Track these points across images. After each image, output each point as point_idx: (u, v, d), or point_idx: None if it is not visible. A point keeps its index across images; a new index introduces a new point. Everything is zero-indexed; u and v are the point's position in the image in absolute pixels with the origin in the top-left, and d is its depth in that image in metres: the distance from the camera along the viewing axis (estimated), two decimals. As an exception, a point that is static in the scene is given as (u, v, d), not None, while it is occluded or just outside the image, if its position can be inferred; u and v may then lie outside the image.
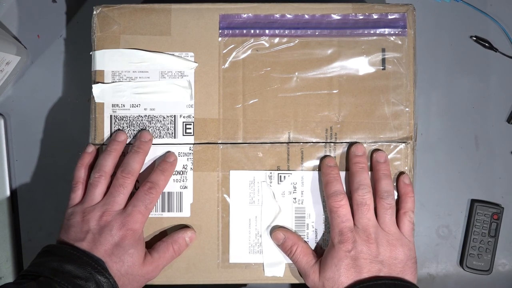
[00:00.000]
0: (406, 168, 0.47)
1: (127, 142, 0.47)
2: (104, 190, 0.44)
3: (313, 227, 0.47)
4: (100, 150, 0.47)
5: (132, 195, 0.45)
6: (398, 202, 0.46)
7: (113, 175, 0.45)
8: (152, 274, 0.44)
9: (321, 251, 0.46)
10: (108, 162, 0.45)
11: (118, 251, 0.42)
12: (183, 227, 0.47)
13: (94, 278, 0.39)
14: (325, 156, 0.47)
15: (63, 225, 0.44)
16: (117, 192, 0.44)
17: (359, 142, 0.47)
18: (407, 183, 0.46)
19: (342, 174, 0.47)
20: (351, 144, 0.47)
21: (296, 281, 0.47)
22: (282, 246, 0.46)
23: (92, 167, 0.46)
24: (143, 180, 0.45)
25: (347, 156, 0.47)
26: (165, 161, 0.46)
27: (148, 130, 0.47)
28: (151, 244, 0.46)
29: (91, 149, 0.46)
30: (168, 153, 0.47)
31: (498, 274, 0.55)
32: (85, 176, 0.46)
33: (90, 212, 0.43)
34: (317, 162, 0.47)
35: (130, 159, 0.45)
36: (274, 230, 0.46)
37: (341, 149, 0.47)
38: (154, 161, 0.47)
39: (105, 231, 0.42)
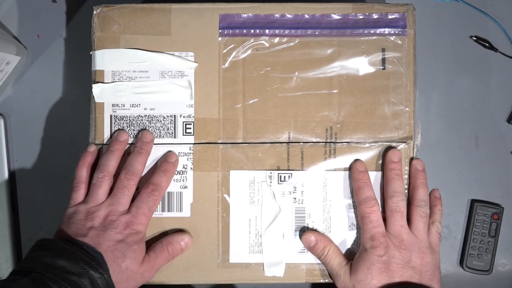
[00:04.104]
0: (407, 168, 0.47)
1: (128, 142, 0.47)
2: (107, 190, 0.45)
3: (313, 227, 0.47)
4: (101, 150, 0.47)
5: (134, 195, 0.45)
6: None
7: (115, 175, 0.45)
8: (149, 274, 0.44)
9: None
10: (111, 162, 0.45)
11: (121, 246, 0.42)
12: (182, 231, 0.47)
13: (87, 274, 0.39)
14: (356, 160, 0.47)
15: (63, 222, 0.44)
16: (121, 194, 0.44)
17: (395, 147, 0.47)
18: (438, 197, 0.48)
19: (342, 173, 0.47)
20: (388, 149, 0.47)
21: (296, 281, 0.47)
22: (313, 248, 0.46)
23: (93, 167, 0.46)
24: (144, 180, 0.45)
25: (383, 160, 0.47)
26: (166, 162, 0.46)
27: (149, 130, 0.47)
28: (150, 244, 0.46)
29: (92, 149, 0.46)
30: (169, 152, 0.47)
31: (498, 274, 0.55)
32: (87, 176, 0.46)
33: (95, 211, 0.43)
34: (316, 162, 0.47)
35: (133, 161, 0.45)
36: (304, 233, 0.46)
37: (342, 149, 0.47)
38: (156, 162, 0.47)
39: (109, 229, 0.42)
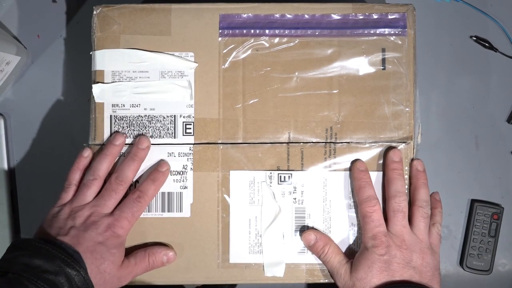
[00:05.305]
0: (407, 168, 0.47)
1: (126, 143, 0.47)
2: (96, 192, 0.45)
3: (313, 227, 0.47)
4: (100, 150, 0.47)
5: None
6: None
7: (106, 178, 0.45)
8: (125, 279, 0.44)
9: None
10: (103, 166, 0.45)
11: (100, 248, 0.42)
12: (166, 245, 0.47)
13: (64, 272, 0.39)
14: (356, 160, 0.47)
15: (45, 220, 0.44)
16: (108, 196, 0.44)
17: (395, 147, 0.46)
18: (438, 200, 0.48)
19: (342, 173, 0.47)
20: (388, 149, 0.47)
21: (296, 281, 0.47)
22: (313, 246, 0.46)
23: (87, 170, 0.46)
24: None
25: (384, 161, 0.47)
26: (157, 170, 0.46)
27: (147, 136, 0.47)
28: (148, 245, 0.46)
29: (87, 153, 0.46)
30: (161, 161, 0.47)
31: (498, 274, 0.55)
32: (79, 179, 0.46)
33: (79, 210, 0.43)
34: (316, 162, 0.47)
35: (125, 167, 0.45)
36: (304, 231, 0.46)
37: (342, 149, 0.47)
38: (152, 166, 0.47)
39: (90, 229, 0.42)
